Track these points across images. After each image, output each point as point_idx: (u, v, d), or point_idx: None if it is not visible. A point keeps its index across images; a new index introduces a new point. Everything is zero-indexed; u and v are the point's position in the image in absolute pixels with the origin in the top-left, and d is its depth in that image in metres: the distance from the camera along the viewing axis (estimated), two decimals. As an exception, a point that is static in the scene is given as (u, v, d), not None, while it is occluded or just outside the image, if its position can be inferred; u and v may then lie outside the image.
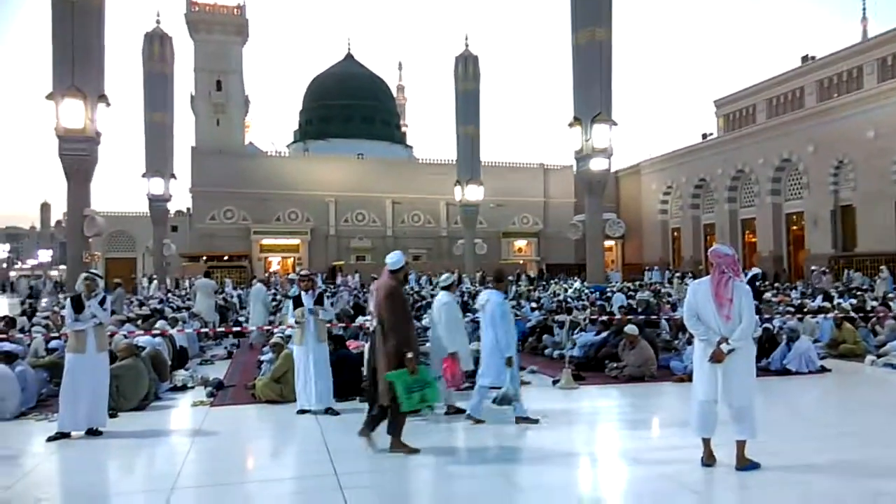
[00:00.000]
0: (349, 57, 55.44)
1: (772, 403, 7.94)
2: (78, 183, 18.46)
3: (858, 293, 18.35)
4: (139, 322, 12.43)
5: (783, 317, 12.44)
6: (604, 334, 11.24)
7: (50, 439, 6.66)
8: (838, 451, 5.93)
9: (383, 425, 6.05)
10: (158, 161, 31.71)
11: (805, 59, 37.80)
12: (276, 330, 11.26)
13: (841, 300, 15.19)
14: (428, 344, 8.12)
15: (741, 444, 5.27)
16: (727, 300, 5.17)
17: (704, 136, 43.59)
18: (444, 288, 7.80)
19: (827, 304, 14.53)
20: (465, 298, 19.89)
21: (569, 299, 17.81)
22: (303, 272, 8.62)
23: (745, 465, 5.23)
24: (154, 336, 10.12)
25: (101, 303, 7.00)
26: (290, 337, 8.88)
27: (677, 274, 33.72)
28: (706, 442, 5.39)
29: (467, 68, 34.94)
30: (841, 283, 24.12)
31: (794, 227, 34.65)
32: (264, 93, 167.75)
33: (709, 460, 5.36)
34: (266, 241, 42.98)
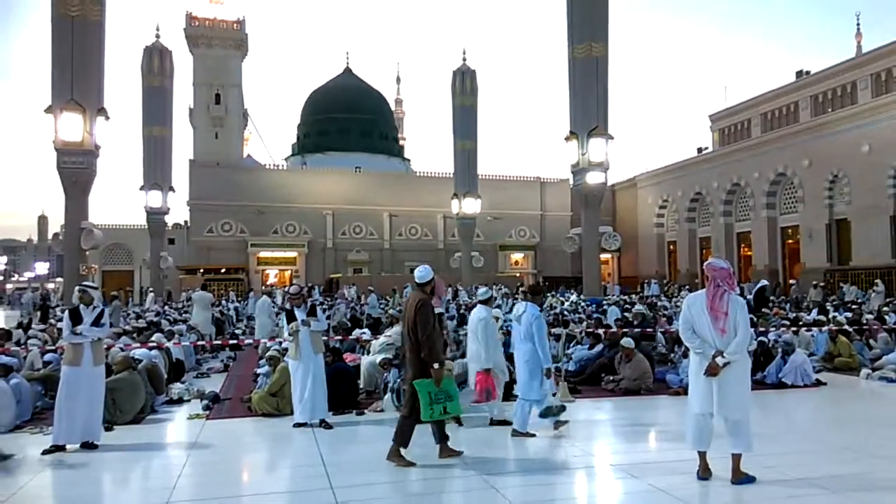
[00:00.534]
0: (347, 71, 55.70)
1: (767, 417, 7.96)
2: (76, 196, 18.49)
3: (854, 306, 18.42)
4: (135, 335, 12.42)
5: (778, 330, 12.47)
6: (598, 348, 11.26)
7: (45, 452, 6.65)
8: (834, 465, 5.95)
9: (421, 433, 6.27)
10: (156, 174, 31.75)
11: (800, 73, 38.10)
12: (270, 343, 11.26)
13: (836, 313, 15.24)
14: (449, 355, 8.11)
15: (737, 458, 5.28)
16: (722, 313, 5.20)
17: (700, 150, 43.83)
18: (481, 302, 7.85)
19: (822, 318, 14.56)
20: (462, 311, 19.93)
21: (565, 312, 17.83)
22: (292, 290, 8.58)
23: (741, 478, 5.25)
24: (150, 349, 10.12)
25: (100, 316, 7.01)
26: (286, 350, 8.90)
27: (677, 286, 33.83)
28: (702, 455, 5.41)
29: (465, 83, 35.11)
30: (836, 296, 24.16)
31: (790, 241, 34.76)
32: (263, 106, 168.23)
33: (704, 474, 5.37)
34: (263, 254, 42.96)
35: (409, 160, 58.01)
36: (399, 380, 8.48)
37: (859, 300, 22.40)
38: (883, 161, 28.02)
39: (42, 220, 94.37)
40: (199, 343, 13.95)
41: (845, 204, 30.48)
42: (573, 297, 24.22)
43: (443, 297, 7.87)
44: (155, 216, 31.65)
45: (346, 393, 8.69)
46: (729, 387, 5.20)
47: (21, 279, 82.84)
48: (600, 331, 12.42)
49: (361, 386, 9.58)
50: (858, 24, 43.86)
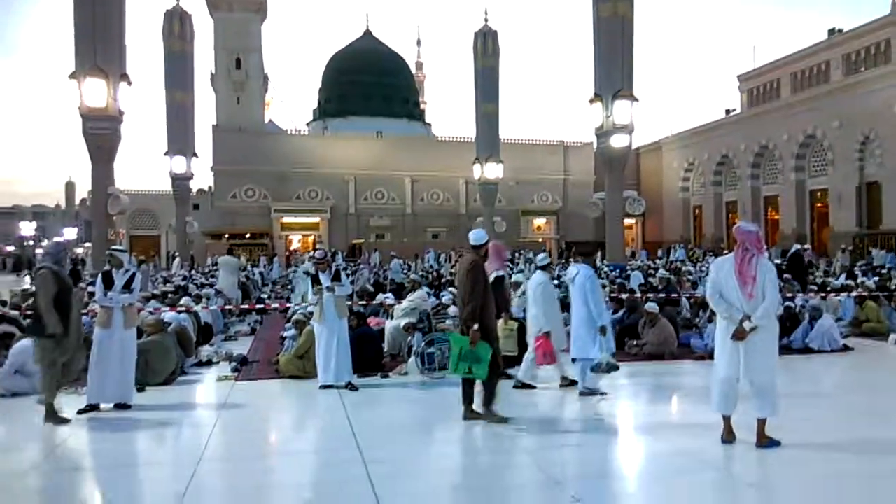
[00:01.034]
0: (368, 34, 55.12)
1: (794, 382, 7.92)
2: (102, 161, 18.66)
3: (883, 271, 18.13)
4: (164, 298, 12.63)
5: (805, 295, 12.34)
6: (620, 313, 11.24)
7: (80, 412, 6.84)
8: (860, 430, 5.93)
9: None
10: (180, 139, 31.89)
11: (832, 32, 36.93)
12: (297, 307, 11.39)
13: (864, 278, 15.01)
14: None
15: (762, 422, 5.28)
16: (750, 277, 5.15)
17: (727, 111, 42.95)
18: (540, 268, 7.97)
19: (850, 283, 14.37)
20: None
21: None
22: (317, 255, 8.66)
23: (766, 442, 5.25)
24: (179, 312, 10.29)
25: (131, 279, 7.14)
26: (312, 314, 9.00)
27: (702, 251, 33.49)
28: (726, 419, 5.41)
29: (486, 44, 34.59)
30: (865, 261, 23.78)
31: (819, 205, 34.16)
32: (284, 71, 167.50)
33: (728, 437, 5.38)
34: (286, 220, 43.23)
35: (430, 124, 57.64)
36: (423, 343, 8.57)
37: (888, 265, 22.03)
38: (917, 122, 27.27)
39: (69, 186, 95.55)
40: (227, 307, 14.15)
41: (877, 166, 29.80)
42: (596, 262, 24.11)
43: (505, 260, 8.01)
44: (179, 181, 31.89)
45: (370, 356, 8.80)
46: (756, 351, 5.17)
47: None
48: (623, 296, 12.39)
49: (385, 349, 9.68)
50: (895, -20, 42.26)
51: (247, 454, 5.72)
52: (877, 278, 15.12)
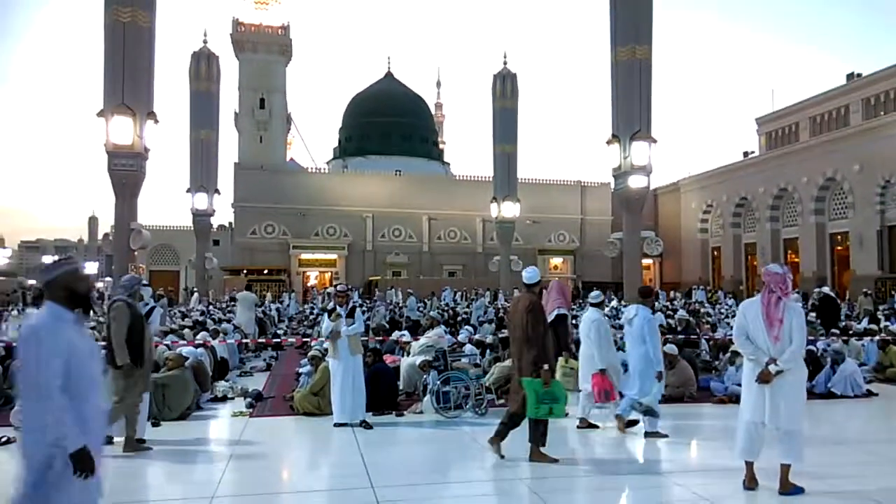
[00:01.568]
0: (389, 75, 56.13)
1: (816, 427, 7.76)
2: (125, 197, 18.97)
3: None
4: (183, 332, 12.70)
5: (828, 339, 12.15)
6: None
7: (100, 444, 6.86)
8: (887, 478, 5.77)
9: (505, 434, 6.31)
10: (203, 176, 32.44)
11: (850, 76, 37.03)
12: (313, 343, 11.40)
13: (888, 322, 14.77)
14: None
15: (786, 468, 5.16)
16: (777, 320, 5.10)
17: (746, 154, 42.93)
18: (593, 305, 7.98)
19: (873, 327, 14.13)
20: (501, 315, 19.90)
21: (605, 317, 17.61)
22: (339, 287, 8.75)
23: (789, 489, 5.13)
24: (196, 347, 10.33)
25: (149, 314, 7.21)
26: (327, 350, 9.01)
27: (723, 292, 33.10)
28: (749, 465, 5.29)
29: (505, 86, 35.04)
30: (887, 305, 23.38)
31: (839, 248, 33.79)
32: (306, 110, 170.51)
33: (750, 484, 5.26)
34: (305, 256, 43.51)
35: (448, 164, 58.13)
36: (438, 381, 8.52)
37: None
38: (939, 166, 27.06)
39: (92, 221, 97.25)
40: (244, 342, 14.20)
41: (898, 210, 29.52)
42: (614, 303, 23.95)
43: (568, 298, 8.07)
44: (201, 218, 32.33)
45: (386, 394, 8.75)
46: (783, 396, 5.08)
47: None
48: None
49: (401, 387, 9.63)
50: (913, 25, 42.47)
51: (260, 491, 5.67)
52: (901, 323, 14.86)
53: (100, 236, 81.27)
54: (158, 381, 8.13)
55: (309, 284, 42.30)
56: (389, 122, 50.81)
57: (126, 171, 18.58)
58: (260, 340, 14.94)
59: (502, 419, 6.40)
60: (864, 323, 15.49)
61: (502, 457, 6.21)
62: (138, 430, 7.03)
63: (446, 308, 24.18)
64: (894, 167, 29.15)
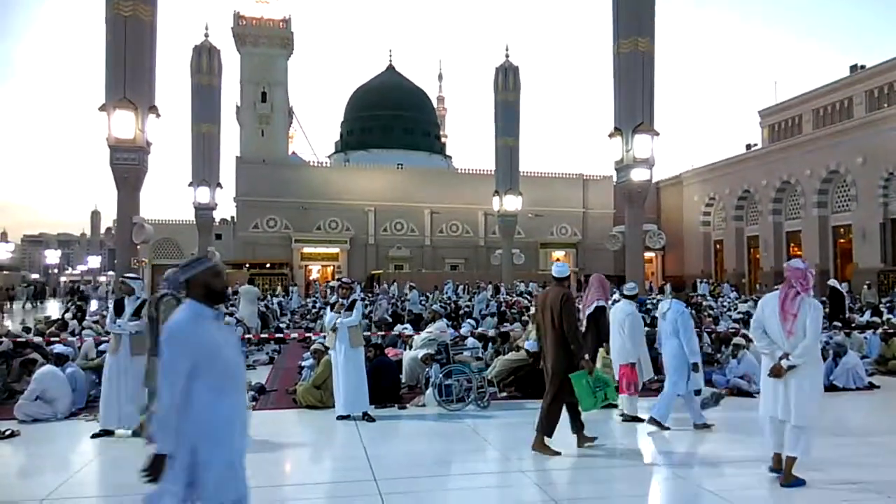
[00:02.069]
0: (390, 68, 56.03)
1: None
2: (128, 191, 18.96)
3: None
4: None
5: (829, 331, 12.14)
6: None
7: (94, 436, 6.92)
8: (885, 469, 5.78)
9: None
10: (205, 170, 32.43)
11: (854, 68, 36.88)
12: (315, 336, 11.42)
13: (890, 315, 14.76)
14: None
15: (790, 461, 5.18)
16: (791, 315, 5.12)
17: (748, 146, 42.82)
18: (627, 297, 8.08)
19: (876, 319, 14.12)
20: (503, 308, 19.92)
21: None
22: (344, 280, 8.77)
23: (791, 481, 5.14)
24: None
25: (140, 307, 7.19)
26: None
27: (727, 284, 33.06)
28: (776, 455, 5.36)
29: (507, 79, 34.97)
30: (889, 298, 23.34)
31: (842, 240, 33.74)
32: (308, 104, 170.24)
33: (777, 466, 5.33)
34: (307, 250, 43.57)
35: (450, 157, 58.09)
36: (441, 374, 8.54)
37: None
38: (942, 158, 26.97)
39: (95, 216, 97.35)
40: (246, 336, 14.21)
41: (901, 202, 29.45)
42: (615, 296, 23.97)
43: (607, 291, 8.24)
44: (203, 212, 32.35)
45: (388, 387, 8.78)
46: (795, 390, 5.10)
47: (74, 272, 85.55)
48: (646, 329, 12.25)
49: (403, 380, 9.65)
50: (917, 16, 42.27)
51: (263, 484, 5.69)
52: (903, 316, 14.85)
53: (102, 230, 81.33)
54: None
55: (311, 278, 42.36)
56: (391, 116, 50.76)
57: (128, 165, 18.57)
58: (262, 335, 14.95)
59: (570, 416, 6.45)
60: (867, 315, 15.47)
61: (594, 438, 6.40)
62: (137, 422, 7.07)
63: (448, 301, 24.20)
64: (897, 160, 29.05)
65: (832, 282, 16.45)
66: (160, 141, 19.90)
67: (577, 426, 6.47)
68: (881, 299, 22.59)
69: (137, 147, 18.55)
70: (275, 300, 25.54)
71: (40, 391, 7.86)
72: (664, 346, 7.42)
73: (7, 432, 7.11)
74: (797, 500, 4.96)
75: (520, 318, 16.07)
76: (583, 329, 8.17)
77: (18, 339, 10.76)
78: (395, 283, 31.02)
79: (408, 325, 13.25)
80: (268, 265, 40.96)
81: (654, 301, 18.54)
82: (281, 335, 14.77)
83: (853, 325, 13.43)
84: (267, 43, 48.38)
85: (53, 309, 28.22)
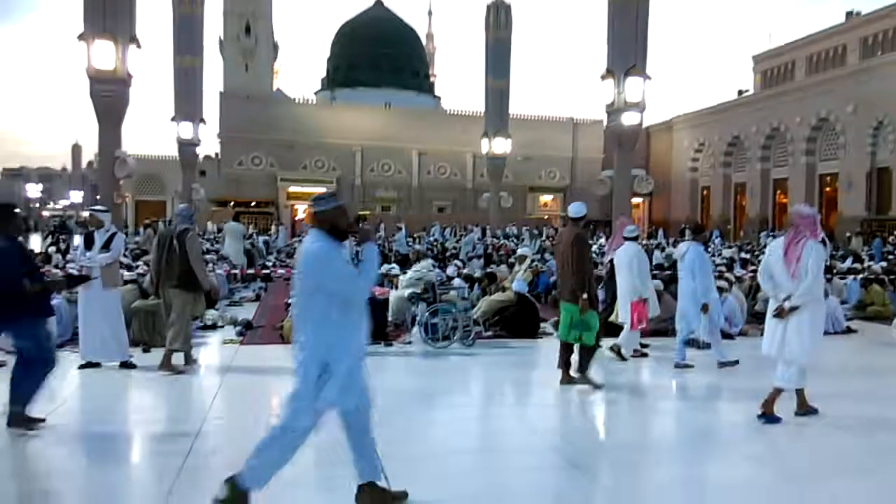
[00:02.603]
0: (378, 3, 54.49)
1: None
2: (109, 125, 18.55)
3: (890, 257, 18.06)
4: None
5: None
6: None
7: (81, 367, 6.96)
8: (860, 409, 5.95)
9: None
10: (188, 105, 31.69)
11: (849, 14, 36.41)
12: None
13: (871, 262, 14.96)
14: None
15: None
16: (795, 258, 5.26)
17: (740, 92, 42.54)
18: (629, 238, 8.18)
19: (857, 266, 14.32)
20: (489, 251, 19.99)
21: (593, 255, 17.74)
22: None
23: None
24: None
25: (110, 240, 7.07)
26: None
27: (716, 231, 33.32)
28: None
29: (499, 17, 34.18)
30: (870, 246, 23.65)
31: (828, 189, 33.94)
32: (293, 39, 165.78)
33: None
34: (293, 189, 43.15)
35: (439, 97, 57.22)
36: (427, 313, 8.60)
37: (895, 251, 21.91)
38: (932, 108, 26.94)
39: (76, 149, 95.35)
40: (232, 272, 14.20)
41: (889, 151, 29.53)
42: (602, 240, 24.08)
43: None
44: (186, 147, 31.76)
45: (375, 325, 8.80)
46: (794, 331, 5.25)
47: (56, 207, 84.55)
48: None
49: (390, 319, 9.71)
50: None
51: (250, 415, 5.77)
52: (884, 263, 15.07)
53: (84, 165, 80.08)
54: (148, 308, 8.15)
55: (297, 218, 42.13)
56: (379, 53, 49.64)
57: (109, 97, 18.10)
58: (249, 271, 14.93)
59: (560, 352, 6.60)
60: (849, 262, 15.68)
61: (600, 386, 6.41)
62: (122, 354, 7.12)
63: (435, 243, 24.23)
64: (888, 108, 29.00)
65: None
66: (142, 74, 19.39)
67: (564, 363, 6.56)
68: (863, 247, 22.89)
69: (118, 79, 18.04)
70: (260, 238, 25.42)
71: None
72: (680, 287, 7.61)
73: (-5, 363, 7.11)
74: (775, 435, 5.10)
75: (506, 261, 16.15)
76: (605, 272, 8.69)
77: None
78: (382, 224, 30.95)
79: (395, 266, 13.25)
80: (253, 203, 40.66)
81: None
82: (267, 272, 14.74)
83: (834, 271, 13.60)
84: (251, -28, 46.73)
85: (36, 243, 27.95)
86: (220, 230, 22.89)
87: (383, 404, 5.86)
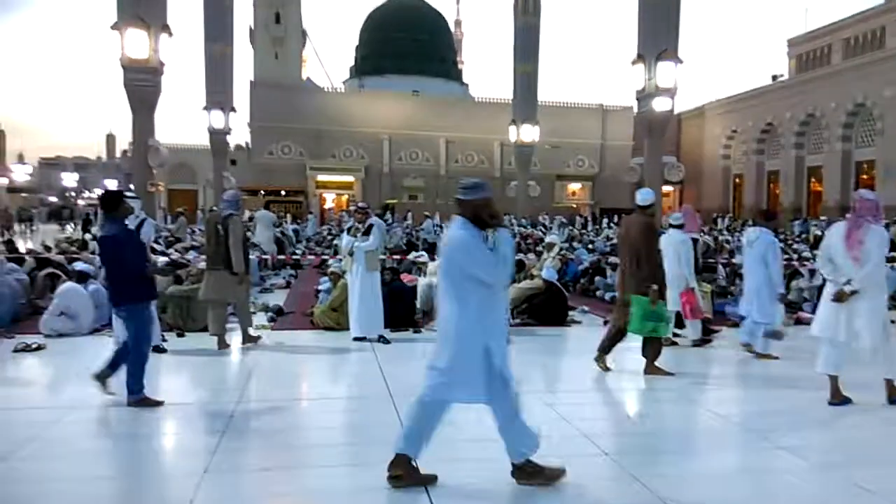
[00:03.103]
0: (406, -10, 54.34)
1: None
2: (143, 113, 18.83)
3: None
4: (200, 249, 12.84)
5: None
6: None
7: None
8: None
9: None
10: (218, 94, 31.96)
11: (889, -4, 35.33)
12: (332, 260, 11.52)
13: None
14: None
15: (889, 382, 5.40)
16: (857, 242, 5.22)
17: (774, 77, 41.64)
18: (675, 226, 8.02)
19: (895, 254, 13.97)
20: (517, 240, 19.92)
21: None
22: (360, 204, 8.74)
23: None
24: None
25: (139, 227, 7.14)
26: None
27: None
28: (832, 379, 5.46)
29: (528, 2, 33.87)
30: None
31: (864, 176, 33.13)
32: (322, 27, 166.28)
33: (834, 398, 5.42)
34: (321, 178, 43.43)
35: (467, 85, 56.99)
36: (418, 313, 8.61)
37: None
38: (976, 92, 26.11)
39: (110, 139, 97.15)
40: (264, 257, 14.37)
41: (929, 138, 28.75)
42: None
43: (699, 223, 8.45)
44: (217, 136, 32.09)
45: (403, 312, 8.88)
46: (860, 317, 5.23)
47: (91, 195, 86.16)
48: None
49: (418, 306, 9.75)
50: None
51: (283, 397, 5.86)
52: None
53: (118, 154, 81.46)
54: (182, 294, 8.30)
55: (325, 207, 42.39)
56: (407, 40, 49.54)
57: (142, 86, 18.34)
58: (280, 257, 15.10)
59: (607, 335, 6.63)
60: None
61: (608, 369, 6.47)
62: (154, 338, 7.24)
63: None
64: (929, 93, 28.20)
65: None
66: (173, 63, 19.61)
67: (606, 347, 6.55)
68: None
69: (151, 68, 18.28)
70: (290, 227, 25.64)
71: (63, 307, 8.04)
72: (749, 276, 7.40)
73: (34, 345, 7.32)
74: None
75: (534, 249, 16.10)
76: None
77: (40, 257, 10.93)
78: (410, 213, 31.00)
79: (423, 253, 13.30)
80: (283, 192, 40.98)
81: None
82: (297, 258, 14.90)
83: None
84: (280, -39, 46.91)
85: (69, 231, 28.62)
86: (251, 218, 23.11)
87: (412, 388, 5.92)
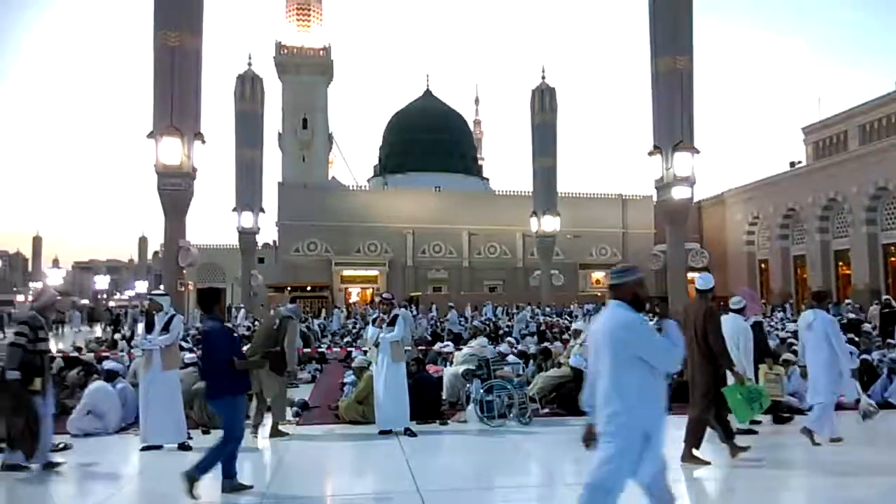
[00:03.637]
0: (428, 93, 56.67)
1: (874, 435, 7.50)
2: (175, 216, 19.49)
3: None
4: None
5: (884, 348, 11.76)
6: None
7: (143, 449, 7.09)
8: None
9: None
10: (248, 195, 33.09)
11: (901, 82, 36.02)
12: (356, 353, 11.50)
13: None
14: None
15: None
16: None
17: (792, 164, 41.99)
18: (735, 311, 7.91)
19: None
20: (543, 328, 19.77)
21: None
22: (385, 295, 8.81)
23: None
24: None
25: (168, 322, 7.31)
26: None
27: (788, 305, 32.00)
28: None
29: (544, 100, 35.05)
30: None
31: (893, 259, 32.68)
32: (347, 129, 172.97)
33: None
34: (347, 273, 43.91)
35: (487, 179, 58.25)
36: (482, 390, 8.50)
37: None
38: None
39: (142, 242, 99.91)
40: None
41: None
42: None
43: (759, 305, 8.41)
44: (246, 236, 32.95)
45: (429, 403, 8.77)
46: None
47: (122, 297, 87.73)
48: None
49: (444, 397, 9.63)
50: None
51: (307, 495, 5.74)
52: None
53: (149, 256, 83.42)
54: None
55: (350, 301, 42.64)
56: (429, 140, 51.19)
57: (175, 190, 19.09)
58: (305, 350, 15.11)
59: (688, 431, 6.30)
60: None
61: (707, 463, 6.16)
62: (179, 436, 7.28)
63: (487, 322, 24.12)
64: (950, 174, 28.14)
65: (887, 297, 16.00)
66: (205, 167, 20.46)
67: (728, 436, 6.34)
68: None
69: (184, 173, 19.08)
70: (315, 322, 25.77)
71: (91, 405, 8.06)
72: (812, 358, 7.16)
73: (60, 445, 7.30)
74: None
75: (560, 337, 15.95)
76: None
77: (69, 356, 11.07)
78: (434, 306, 31.03)
79: (448, 343, 13.25)
80: (308, 288, 41.41)
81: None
82: (322, 351, 14.89)
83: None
84: (308, 71, 49.48)
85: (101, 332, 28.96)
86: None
87: (441, 483, 5.79)
